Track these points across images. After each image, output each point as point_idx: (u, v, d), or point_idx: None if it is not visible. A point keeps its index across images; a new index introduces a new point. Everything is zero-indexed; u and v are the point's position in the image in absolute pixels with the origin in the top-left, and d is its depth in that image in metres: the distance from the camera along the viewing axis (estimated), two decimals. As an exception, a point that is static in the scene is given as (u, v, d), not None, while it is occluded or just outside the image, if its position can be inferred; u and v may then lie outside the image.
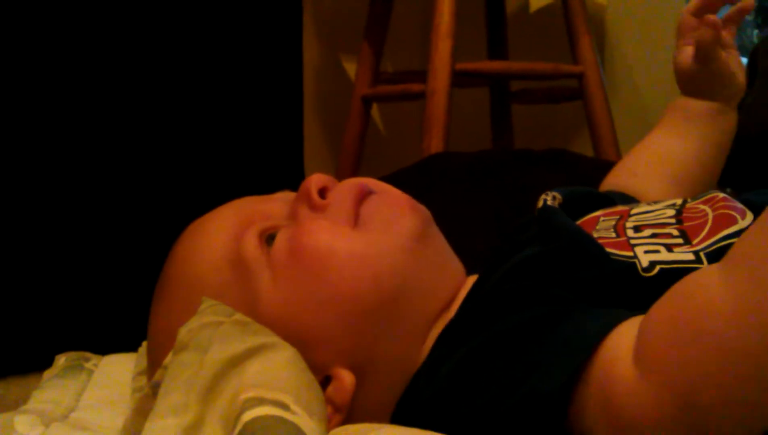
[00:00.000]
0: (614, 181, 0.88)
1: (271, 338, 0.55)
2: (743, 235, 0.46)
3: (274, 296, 0.60)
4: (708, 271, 0.47)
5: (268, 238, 0.62)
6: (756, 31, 4.03)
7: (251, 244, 0.61)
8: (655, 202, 0.69)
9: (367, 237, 0.61)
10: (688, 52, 0.86)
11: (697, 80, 0.87)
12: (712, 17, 0.83)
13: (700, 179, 0.87)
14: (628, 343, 0.47)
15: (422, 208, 0.65)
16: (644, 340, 0.47)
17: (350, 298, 0.59)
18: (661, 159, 0.88)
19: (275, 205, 0.65)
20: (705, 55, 0.84)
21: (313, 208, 0.62)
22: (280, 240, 0.61)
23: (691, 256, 0.58)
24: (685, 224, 0.62)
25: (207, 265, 0.62)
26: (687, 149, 0.87)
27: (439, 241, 0.66)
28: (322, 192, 0.63)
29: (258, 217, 0.63)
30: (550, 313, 0.53)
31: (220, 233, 0.63)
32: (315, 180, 0.63)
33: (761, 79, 1.95)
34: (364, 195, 0.64)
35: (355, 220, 0.63)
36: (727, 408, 0.43)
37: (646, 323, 0.48)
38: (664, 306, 0.48)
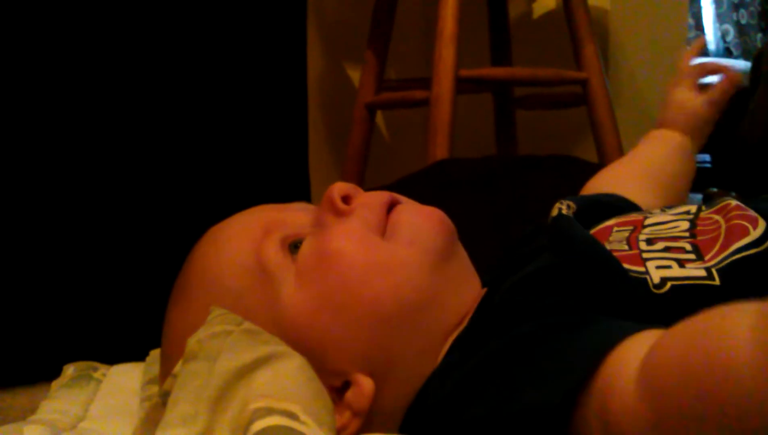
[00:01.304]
0: (596, 184, 0.89)
1: (281, 347, 0.56)
2: None
3: (297, 300, 0.60)
4: (740, 311, 0.43)
5: (291, 245, 0.63)
6: (760, 35, 4.03)
7: (273, 251, 0.62)
8: (669, 208, 0.69)
9: (394, 247, 0.62)
10: (695, 94, 0.93)
11: (700, 121, 0.93)
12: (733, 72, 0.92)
13: (678, 187, 0.91)
14: (636, 358, 0.46)
15: (450, 223, 0.66)
16: (653, 363, 0.45)
17: (370, 306, 0.59)
18: (642, 165, 0.91)
19: (295, 214, 0.66)
20: (720, 103, 0.91)
21: (338, 214, 0.63)
22: (308, 245, 0.62)
23: (702, 273, 0.57)
24: (699, 238, 0.62)
25: (227, 270, 0.63)
26: (664, 154, 0.91)
27: (462, 258, 0.66)
28: (346, 199, 0.64)
29: (278, 224, 0.64)
30: (559, 323, 0.53)
31: (241, 239, 0.64)
32: (338, 188, 0.64)
33: (764, 83, 1.95)
34: (392, 205, 0.65)
35: (384, 228, 0.63)
36: None
37: (661, 347, 0.46)
38: (685, 334, 0.46)
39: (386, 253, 0.61)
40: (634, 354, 0.47)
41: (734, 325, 0.42)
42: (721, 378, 0.41)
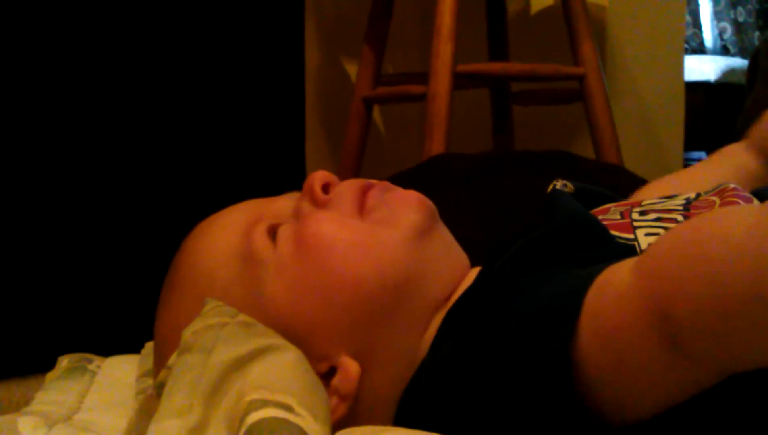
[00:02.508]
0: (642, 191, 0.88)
1: (276, 340, 0.56)
2: None
3: (278, 286, 0.61)
4: (750, 207, 0.48)
5: (272, 233, 0.63)
6: (757, 33, 4.04)
7: (259, 239, 0.62)
8: (669, 197, 0.69)
9: (372, 227, 0.62)
10: None
11: None
12: None
13: None
14: (627, 266, 0.48)
15: (428, 202, 0.66)
16: (648, 253, 0.47)
17: (352, 286, 0.60)
18: (689, 177, 0.86)
19: (283, 203, 0.67)
20: None
21: (316, 203, 0.64)
22: (283, 232, 0.63)
23: None
24: (692, 212, 0.63)
25: (216, 260, 0.63)
26: (719, 171, 0.84)
27: (444, 235, 0.67)
28: (326, 188, 0.65)
29: (266, 214, 0.65)
30: (547, 275, 0.53)
31: (230, 230, 0.65)
32: (318, 176, 0.65)
33: (761, 81, 1.95)
34: (367, 189, 0.65)
35: (361, 211, 0.64)
36: (702, 329, 0.43)
37: (655, 242, 0.49)
38: (679, 228, 0.49)
39: (364, 232, 0.62)
40: (619, 270, 0.48)
41: (739, 215, 0.46)
42: (709, 254, 0.43)
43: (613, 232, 0.60)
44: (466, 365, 0.53)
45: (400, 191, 0.66)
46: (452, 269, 0.65)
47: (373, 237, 0.62)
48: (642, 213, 0.64)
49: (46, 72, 1.30)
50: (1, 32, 1.26)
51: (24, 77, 1.29)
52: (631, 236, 0.60)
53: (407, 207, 0.64)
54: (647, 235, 0.59)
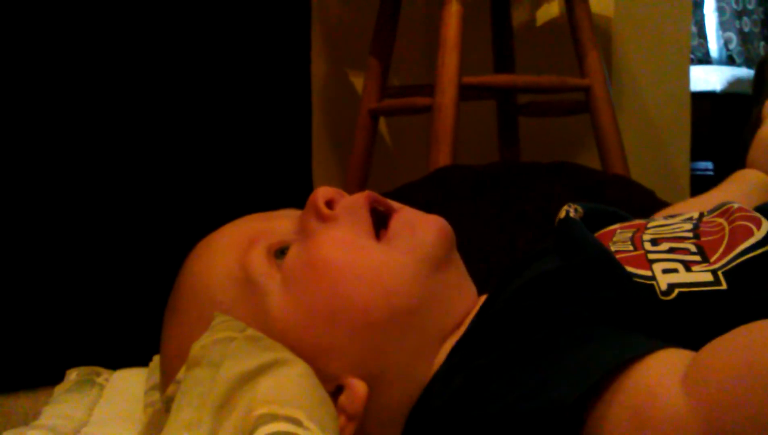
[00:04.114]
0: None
1: (284, 354, 0.56)
2: None
3: (286, 308, 0.60)
4: None
5: (277, 253, 0.63)
6: (763, 43, 4.03)
7: (258, 260, 0.62)
8: (672, 217, 0.69)
9: (389, 253, 0.62)
10: None
11: None
12: None
13: None
14: (671, 370, 0.48)
15: (450, 232, 0.66)
16: (700, 372, 0.47)
17: (361, 311, 0.59)
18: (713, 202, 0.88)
19: (280, 221, 0.66)
20: None
21: (322, 219, 0.63)
22: (294, 252, 0.62)
23: (709, 277, 0.57)
24: (703, 239, 0.62)
25: (214, 283, 0.63)
26: (738, 192, 0.86)
27: (458, 266, 0.66)
28: (330, 204, 0.64)
29: (263, 234, 0.64)
30: (572, 333, 0.53)
31: (226, 252, 0.64)
32: (321, 192, 0.64)
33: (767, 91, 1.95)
34: (375, 202, 0.65)
35: (377, 231, 0.64)
36: None
37: (705, 355, 0.48)
38: (729, 344, 0.48)
39: (379, 258, 0.62)
40: (670, 365, 0.48)
41: None
42: None
43: (630, 269, 0.59)
44: (478, 402, 0.53)
45: (426, 218, 0.66)
46: (463, 301, 0.65)
47: (387, 264, 0.61)
48: (653, 242, 0.63)
49: (56, 74, 1.31)
50: (1, 32, 1.27)
51: (31, 80, 1.29)
52: (649, 273, 0.59)
53: (431, 236, 0.64)
54: (665, 271, 0.58)
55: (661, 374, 0.48)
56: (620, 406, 0.48)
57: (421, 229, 0.64)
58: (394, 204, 0.66)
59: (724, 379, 0.45)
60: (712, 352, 0.48)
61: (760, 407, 0.44)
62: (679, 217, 0.68)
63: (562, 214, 0.70)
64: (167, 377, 0.63)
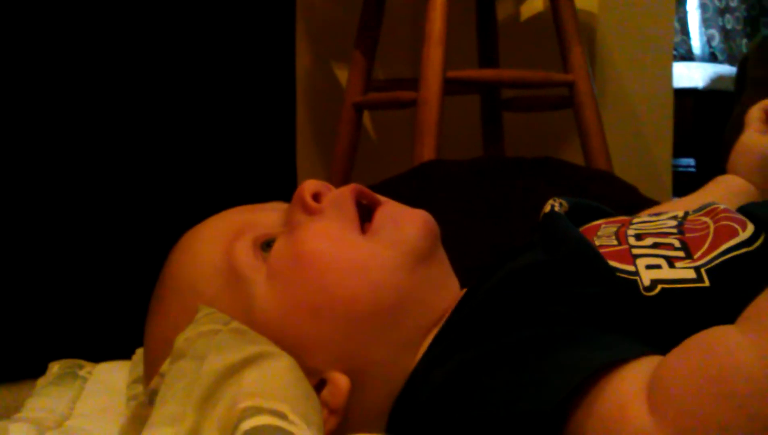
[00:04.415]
0: None
1: (269, 347, 0.56)
2: (760, 298, 0.48)
3: (270, 300, 0.60)
4: (726, 328, 0.48)
5: (264, 245, 0.63)
6: (745, 40, 4.05)
7: (244, 252, 0.62)
8: (657, 214, 0.69)
9: (374, 247, 0.62)
10: (762, 138, 0.90)
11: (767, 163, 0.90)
12: None
13: None
14: (640, 384, 0.48)
15: (435, 226, 0.66)
16: (662, 388, 0.47)
17: (346, 304, 0.59)
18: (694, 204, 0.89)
19: (267, 214, 0.66)
20: None
21: (309, 212, 0.63)
22: (280, 245, 0.62)
23: (692, 274, 0.58)
24: (687, 235, 0.62)
25: (199, 274, 0.63)
26: (719, 196, 0.87)
27: (442, 260, 0.66)
28: (316, 197, 0.64)
29: (250, 225, 0.64)
30: (552, 334, 0.53)
31: (212, 243, 0.64)
32: (308, 185, 0.64)
33: (750, 88, 1.96)
34: (361, 195, 0.65)
35: (362, 224, 0.64)
36: None
37: (665, 370, 0.48)
38: (685, 357, 0.48)
39: (364, 252, 0.62)
40: (640, 379, 0.48)
41: (729, 340, 0.46)
42: (732, 392, 0.44)
43: (613, 263, 0.59)
44: (461, 404, 0.53)
45: (410, 212, 0.66)
46: (447, 295, 0.65)
47: (373, 258, 0.61)
48: (638, 236, 0.63)
49: (39, 72, 1.30)
50: (1, 32, 1.26)
51: (24, 79, 1.29)
52: (632, 268, 0.59)
53: (415, 230, 0.64)
54: (648, 267, 0.59)
55: (631, 387, 0.48)
56: (594, 417, 0.48)
57: (405, 223, 0.64)
58: (380, 197, 0.66)
59: (685, 395, 0.46)
60: (670, 366, 0.48)
61: (724, 418, 0.44)
62: (664, 214, 0.68)
63: (547, 208, 0.70)
64: (151, 369, 0.62)
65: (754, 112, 0.93)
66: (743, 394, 0.44)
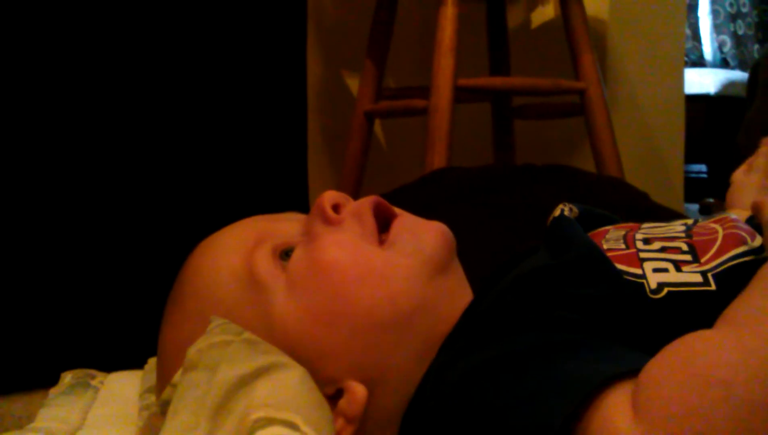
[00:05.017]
0: None
1: (281, 358, 0.56)
2: (734, 303, 0.49)
3: (290, 309, 0.60)
4: (703, 331, 0.49)
5: (283, 254, 0.63)
6: (756, 46, 4.05)
7: (264, 260, 0.62)
8: (667, 222, 0.69)
9: (393, 256, 0.62)
10: (754, 177, 0.90)
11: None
12: None
13: None
14: (626, 395, 0.47)
15: (451, 236, 0.66)
16: (645, 392, 0.47)
17: (364, 313, 0.60)
18: None
19: (286, 224, 0.66)
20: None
21: (328, 223, 0.64)
22: (299, 254, 0.62)
23: (698, 278, 0.58)
24: (695, 239, 0.62)
25: (219, 281, 0.63)
26: None
27: (457, 269, 0.67)
28: (336, 208, 0.65)
29: (269, 234, 0.64)
30: (557, 343, 0.53)
31: (233, 250, 0.64)
32: (328, 196, 0.65)
33: (761, 94, 1.96)
34: (379, 207, 0.65)
35: (379, 236, 0.64)
36: None
37: (646, 375, 0.48)
38: (665, 359, 0.48)
39: (383, 261, 0.62)
40: (623, 389, 0.48)
41: (708, 335, 0.48)
42: (715, 380, 0.44)
43: (620, 267, 0.59)
44: (469, 413, 0.53)
45: (427, 223, 0.66)
46: (461, 305, 0.65)
47: (391, 267, 0.62)
48: (646, 241, 0.63)
49: (46, 73, 1.30)
50: (1, 32, 1.27)
51: (26, 80, 1.29)
52: (639, 272, 0.59)
53: (433, 240, 0.64)
54: (655, 271, 0.59)
55: (616, 399, 0.48)
56: (588, 433, 0.48)
57: (423, 234, 0.65)
58: (397, 210, 0.66)
59: (668, 394, 0.45)
60: (650, 370, 0.48)
61: (709, 410, 0.44)
62: (674, 221, 0.68)
63: (557, 212, 0.70)
64: (164, 378, 0.62)
65: (761, 156, 0.91)
66: (727, 381, 0.44)
